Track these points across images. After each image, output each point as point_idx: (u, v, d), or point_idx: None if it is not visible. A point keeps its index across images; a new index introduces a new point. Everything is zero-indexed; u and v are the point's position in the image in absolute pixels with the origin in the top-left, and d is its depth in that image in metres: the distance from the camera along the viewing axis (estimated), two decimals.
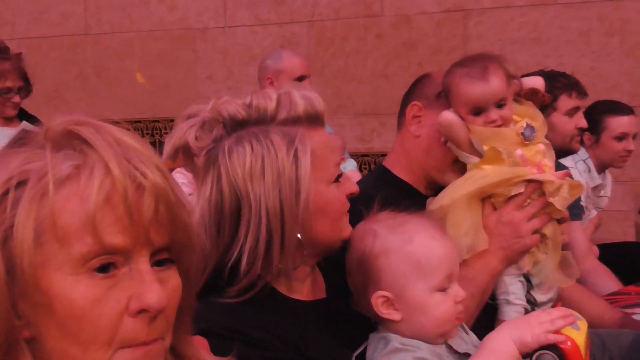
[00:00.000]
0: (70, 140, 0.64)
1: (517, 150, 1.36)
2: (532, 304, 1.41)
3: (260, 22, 4.27)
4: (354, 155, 3.58)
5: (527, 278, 1.43)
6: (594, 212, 2.74)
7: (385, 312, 1.04)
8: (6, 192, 0.62)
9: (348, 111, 4.08)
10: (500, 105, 1.37)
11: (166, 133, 4.42)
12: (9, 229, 0.61)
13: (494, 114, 1.37)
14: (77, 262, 0.61)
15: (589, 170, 2.63)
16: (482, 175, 1.37)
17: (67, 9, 4.58)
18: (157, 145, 4.32)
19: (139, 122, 4.44)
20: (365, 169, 3.83)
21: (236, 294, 1.00)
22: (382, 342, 1.04)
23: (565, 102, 2.27)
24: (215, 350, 0.93)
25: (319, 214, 1.04)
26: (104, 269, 0.62)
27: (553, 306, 1.42)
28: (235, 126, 1.05)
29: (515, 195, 1.35)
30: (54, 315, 0.61)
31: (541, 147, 1.40)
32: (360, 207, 1.13)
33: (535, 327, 0.98)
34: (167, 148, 1.05)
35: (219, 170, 1.02)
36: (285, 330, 1.00)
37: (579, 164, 2.61)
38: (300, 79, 2.91)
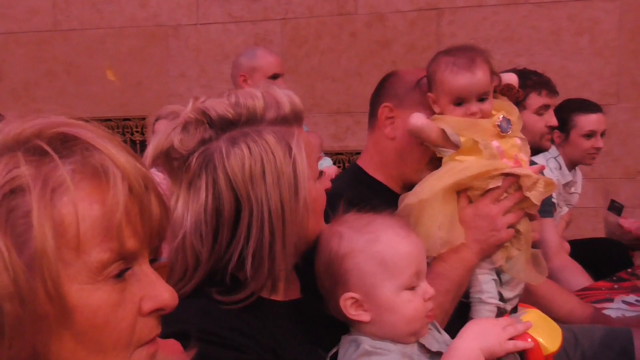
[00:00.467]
0: (64, 143, 0.61)
1: (493, 142, 1.37)
2: (500, 300, 1.42)
3: (233, 20, 4.24)
4: (328, 154, 3.58)
5: (497, 273, 1.44)
6: (565, 209, 2.77)
7: (354, 313, 1.03)
8: None
9: (322, 110, 4.07)
10: (482, 98, 1.38)
11: (137, 132, 4.36)
12: (22, 240, 0.57)
13: (475, 106, 1.37)
14: (96, 270, 0.59)
15: (560, 168, 2.66)
16: (462, 167, 1.36)
17: (35, 4, 4.48)
18: (128, 144, 4.26)
19: (110, 120, 4.37)
20: (339, 167, 3.82)
21: (243, 298, 0.99)
22: (353, 345, 1.03)
23: (535, 100, 2.29)
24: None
25: (311, 212, 1.04)
26: (119, 274, 0.61)
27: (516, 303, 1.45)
28: (225, 126, 1.02)
29: (493, 189, 1.36)
30: (71, 326, 0.59)
31: (517, 141, 1.41)
32: (333, 208, 1.12)
33: (501, 335, 0.97)
34: (151, 151, 1.01)
35: (216, 173, 0.99)
36: (260, 331, 0.99)
37: (549, 162, 2.64)
38: (275, 77, 2.89)
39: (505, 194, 1.36)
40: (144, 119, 4.31)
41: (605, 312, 1.99)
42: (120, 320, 0.61)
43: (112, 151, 0.61)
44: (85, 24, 4.44)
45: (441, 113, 1.43)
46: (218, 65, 4.16)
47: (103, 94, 4.38)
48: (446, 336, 1.12)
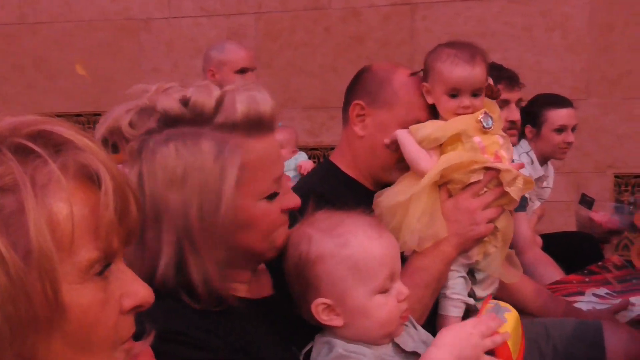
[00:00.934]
0: (47, 141, 0.60)
1: (475, 137, 1.37)
2: (472, 297, 1.43)
3: (206, 13, 4.19)
4: (303, 149, 3.55)
5: (472, 272, 1.44)
6: (537, 203, 2.80)
7: (326, 318, 1.01)
8: None
9: (297, 105, 4.05)
10: (475, 94, 1.39)
11: None
12: (15, 238, 0.56)
13: (468, 100, 1.38)
14: (84, 269, 0.60)
15: (532, 162, 2.68)
16: (443, 159, 1.37)
17: None
18: None
19: (80, 115, 4.29)
20: (314, 162, 3.81)
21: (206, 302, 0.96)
22: (326, 347, 1.01)
23: None
24: (155, 353, 0.89)
25: (245, 228, 0.98)
26: (101, 271, 0.62)
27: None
28: (168, 122, 0.96)
29: (473, 183, 1.36)
30: (62, 327, 0.59)
31: (499, 139, 1.41)
32: (307, 204, 1.10)
33: (477, 347, 0.95)
34: (101, 130, 0.96)
35: (141, 168, 0.95)
36: (230, 331, 0.97)
37: (522, 157, 2.66)
38: (243, 71, 2.85)
39: (485, 189, 1.37)
40: None
41: (577, 305, 2.02)
42: (107, 319, 0.61)
43: (96, 150, 0.61)
44: (54, 17, 4.34)
45: (434, 104, 1.43)
46: (191, 60, 4.10)
47: (73, 88, 4.30)
48: (422, 333, 1.11)
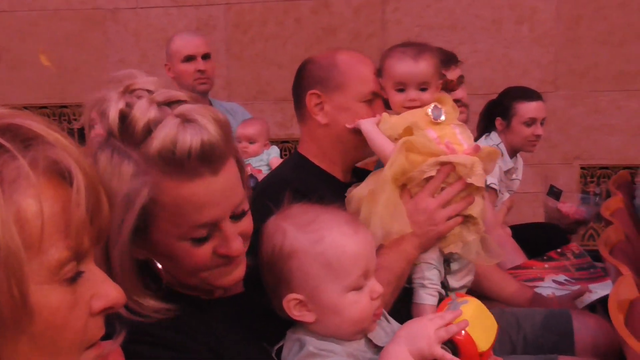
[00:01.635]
0: (15, 136, 0.57)
1: (428, 130, 1.39)
2: (445, 289, 1.45)
3: (174, 4, 4.12)
4: (274, 142, 3.53)
5: (448, 262, 1.45)
6: (506, 195, 2.83)
7: (297, 314, 1.00)
8: None
9: (268, 97, 4.02)
10: (422, 88, 1.44)
11: (75, 119, 4.20)
12: None
13: (414, 94, 1.44)
14: (54, 270, 0.58)
15: (502, 155, 2.71)
16: (389, 126, 1.40)
17: None
18: (66, 132, 4.09)
19: (45, 107, 4.19)
20: (285, 155, 3.79)
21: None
22: (297, 345, 1.00)
23: None
24: (124, 354, 0.87)
25: (169, 260, 0.95)
26: (74, 277, 0.60)
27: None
28: (109, 131, 0.91)
29: (429, 179, 1.37)
30: (29, 329, 0.57)
31: (454, 128, 1.43)
32: (280, 195, 1.08)
33: (431, 338, 0.96)
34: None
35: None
36: (197, 328, 0.96)
37: None
38: (189, 58, 2.77)
39: (443, 185, 1.38)
40: (81, 106, 4.15)
41: (536, 290, 2.07)
42: (76, 321, 0.60)
43: (67, 145, 0.58)
44: (16, 5, 4.22)
45: (386, 99, 1.50)
46: (160, 51, 4.02)
47: (37, 79, 4.19)
48: (395, 325, 1.10)
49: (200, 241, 0.93)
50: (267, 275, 1.04)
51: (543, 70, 3.90)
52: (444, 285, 1.45)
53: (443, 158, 1.36)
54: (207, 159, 0.88)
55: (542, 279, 2.26)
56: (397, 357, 0.96)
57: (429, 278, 1.39)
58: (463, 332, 0.98)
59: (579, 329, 1.71)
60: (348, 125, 1.49)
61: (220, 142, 0.88)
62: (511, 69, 3.88)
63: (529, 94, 2.74)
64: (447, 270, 1.46)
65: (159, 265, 0.97)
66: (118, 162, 0.88)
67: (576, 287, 2.07)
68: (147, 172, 0.88)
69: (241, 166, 0.99)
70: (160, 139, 0.86)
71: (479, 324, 1.01)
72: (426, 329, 0.97)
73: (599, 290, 2.08)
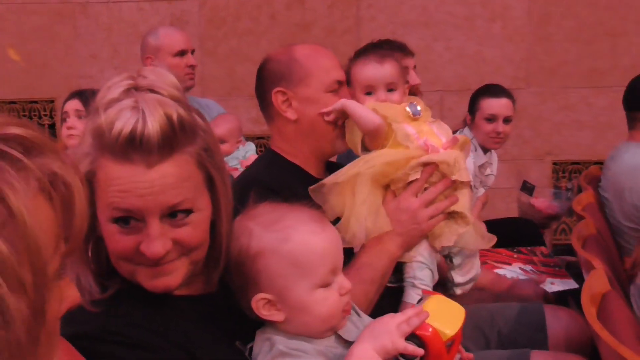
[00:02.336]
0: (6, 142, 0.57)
1: (406, 125, 1.41)
2: (452, 284, 1.48)
3: None
4: (249, 138, 3.51)
5: (450, 258, 1.48)
6: (481, 190, 2.85)
7: (266, 314, 1.00)
8: None
9: (242, 93, 3.99)
10: (390, 89, 1.47)
11: (45, 115, 4.12)
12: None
13: (384, 95, 1.47)
14: (53, 277, 0.58)
15: (475, 149, 2.73)
16: (376, 155, 1.40)
17: None
18: None
19: (14, 103, 4.09)
20: (261, 151, 3.77)
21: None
22: (267, 344, 1.00)
23: None
24: (92, 355, 0.86)
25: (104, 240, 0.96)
26: None
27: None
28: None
29: (414, 181, 1.38)
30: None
31: (430, 125, 1.46)
32: (253, 192, 1.07)
33: (394, 333, 0.96)
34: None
35: None
36: (167, 327, 0.94)
37: None
38: (182, 53, 2.79)
39: (426, 185, 1.39)
40: (52, 101, 4.07)
41: (501, 271, 2.12)
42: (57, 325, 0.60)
43: (56, 152, 0.58)
44: None
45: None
46: (132, 47, 3.97)
47: (6, 74, 4.09)
48: (366, 319, 1.11)
49: (123, 226, 0.92)
50: (234, 275, 1.03)
51: (515, 67, 3.94)
52: (450, 281, 1.47)
53: (425, 158, 1.37)
54: (138, 147, 0.89)
55: (509, 264, 2.34)
56: (361, 355, 0.96)
57: (420, 278, 1.40)
58: (430, 329, 0.98)
59: (551, 322, 1.74)
60: (325, 110, 1.47)
61: (158, 137, 0.89)
62: (484, 66, 3.92)
63: (495, 91, 2.75)
64: (450, 266, 1.48)
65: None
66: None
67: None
68: (91, 144, 0.92)
69: (208, 176, 0.97)
70: (105, 115, 0.90)
71: (441, 314, 1.01)
72: (388, 325, 0.98)
73: (559, 285, 2.15)
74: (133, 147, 0.89)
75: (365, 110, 1.42)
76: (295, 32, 4.00)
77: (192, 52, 2.86)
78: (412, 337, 0.97)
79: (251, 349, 1.03)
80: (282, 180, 1.42)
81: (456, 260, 1.47)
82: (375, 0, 3.97)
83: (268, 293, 0.99)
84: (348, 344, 1.02)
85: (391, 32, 3.91)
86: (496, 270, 2.17)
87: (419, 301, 1.06)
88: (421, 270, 1.41)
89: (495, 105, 2.70)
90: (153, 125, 0.88)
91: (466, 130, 2.75)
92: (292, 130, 1.51)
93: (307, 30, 4.00)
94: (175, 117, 0.90)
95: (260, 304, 0.99)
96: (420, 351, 0.97)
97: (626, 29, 3.89)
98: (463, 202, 1.42)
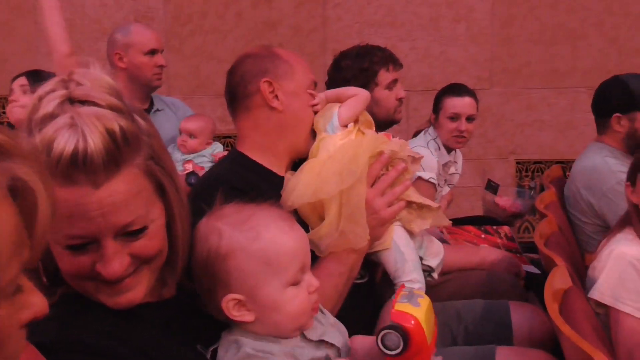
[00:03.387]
0: None
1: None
2: (430, 271, 1.52)
3: None
4: (215, 137, 3.48)
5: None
6: (446, 189, 2.89)
7: (237, 314, 0.99)
8: None
9: (208, 91, 3.96)
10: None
11: (4, 113, 4.02)
12: None
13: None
14: (6, 288, 0.55)
15: (439, 148, 2.76)
16: (358, 145, 1.46)
17: None
18: None
19: None
20: (227, 151, 3.74)
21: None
22: (234, 346, 0.99)
23: (385, 76, 2.33)
24: None
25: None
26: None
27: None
28: None
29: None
30: None
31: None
32: (215, 195, 1.06)
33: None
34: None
35: None
36: (129, 334, 0.92)
37: (430, 143, 2.73)
38: (153, 52, 2.74)
39: (383, 172, 1.42)
40: None
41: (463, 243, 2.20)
42: (10, 336, 0.57)
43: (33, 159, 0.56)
44: None
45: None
46: (95, 43, 3.90)
47: None
48: (330, 317, 1.11)
49: (76, 250, 0.87)
50: (202, 278, 1.02)
51: (479, 68, 4.00)
52: (429, 267, 1.52)
53: (381, 147, 1.42)
54: (81, 168, 0.83)
55: (476, 245, 2.41)
56: None
57: (419, 281, 1.44)
58: (413, 321, 0.99)
59: (516, 318, 1.77)
60: (316, 100, 1.53)
61: (102, 155, 0.84)
62: (448, 66, 3.97)
63: (458, 90, 2.79)
64: (419, 256, 1.51)
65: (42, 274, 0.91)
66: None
67: None
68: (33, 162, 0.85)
69: (158, 183, 0.93)
70: (41, 135, 0.84)
71: (428, 319, 1.03)
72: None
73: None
74: (76, 168, 0.83)
75: (347, 90, 1.56)
76: (262, 31, 3.98)
77: (162, 51, 2.81)
78: (395, 327, 0.98)
79: (214, 351, 1.02)
80: (247, 180, 1.42)
81: (420, 251, 1.50)
82: (342, 0, 3.98)
83: (239, 293, 0.98)
84: (313, 343, 1.03)
85: (357, 31, 3.93)
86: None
87: (406, 289, 1.07)
88: (417, 272, 1.45)
89: (458, 104, 2.73)
90: (95, 143, 0.83)
91: (430, 129, 2.78)
92: (274, 122, 1.51)
93: (273, 29, 3.99)
94: (117, 130, 0.85)
95: (230, 305, 0.99)
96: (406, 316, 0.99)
97: (586, 31, 3.99)
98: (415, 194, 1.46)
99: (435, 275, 1.53)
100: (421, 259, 1.51)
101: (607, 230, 2.50)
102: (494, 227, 2.46)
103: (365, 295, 1.52)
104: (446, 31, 4.00)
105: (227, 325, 1.03)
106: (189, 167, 2.64)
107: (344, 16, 3.97)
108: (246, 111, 1.54)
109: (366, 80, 2.23)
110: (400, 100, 2.37)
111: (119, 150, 0.85)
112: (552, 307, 1.43)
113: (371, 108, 2.29)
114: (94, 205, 0.84)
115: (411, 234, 1.50)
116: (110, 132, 0.84)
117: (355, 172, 1.37)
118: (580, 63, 3.97)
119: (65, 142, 0.82)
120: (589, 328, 1.50)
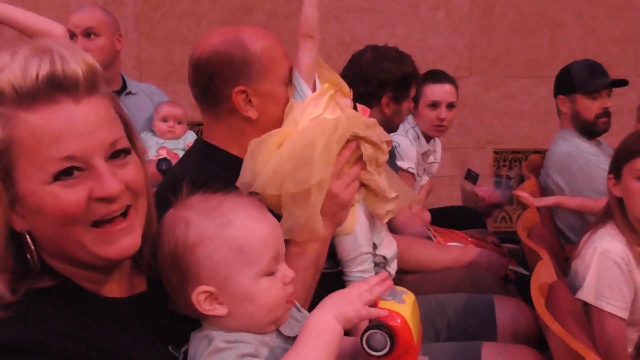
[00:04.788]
0: None
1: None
2: (385, 261, 1.46)
3: None
4: (188, 125, 3.39)
5: None
6: (425, 178, 2.85)
7: (209, 308, 0.93)
8: None
9: (181, 77, 3.79)
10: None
11: None
12: None
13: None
14: None
15: (418, 137, 2.71)
16: (338, 123, 1.37)
17: None
18: None
19: None
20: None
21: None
22: (205, 341, 0.93)
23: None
24: None
25: (37, 215, 0.87)
26: None
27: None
28: None
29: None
30: None
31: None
32: (167, 193, 0.99)
33: (355, 301, 0.93)
34: None
35: None
36: (91, 332, 0.86)
37: (409, 132, 2.68)
38: (72, 36, 2.48)
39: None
40: None
41: (450, 244, 2.17)
42: None
43: None
44: None
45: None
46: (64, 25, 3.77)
47: None
48: (307, 314, 1.06)
49: (67, 175, 0.85)
50: (170, 271, 0.96)
51: (458, 56, 3.96)
52: (384, 257, 1.46)
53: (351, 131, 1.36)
54: (60, 85, 0.85)
55: (461, 245, 2.34)
56: (320, 321, 0.92)
57: (370, 271, 1.37)
58: (399, 320, 0.95)
59: (500, 311, 1.74)
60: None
61: (82, 71, 0.86)
62: (428, 54, 3.92)
63: (438, 77, 2.74)
64: (374, 246, 1.45)
65: (31, 245, 0.88)
66: None
67: None
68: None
69: (121, 115, 0.94)
70: (8, 70, 0.83)
71: (414, 317, 0.98)
72: (350, 294, 0.95)
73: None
74: (55, 86, 0.84)
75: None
76: (237, 16, 3.88)
77: (88, 35, 2.53)
78: (381, 327, 0.93)
79: (186, 352, 0.96)
80: (212, 172, 1.33)
81: (377, 240, 1.44)
82: None
83: (210, 285, 0.93)
84: (290, 339, 0.98)
85: (334, 17, 3.86)
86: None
87: (392, 290, 1.01)
88: (369, 263, 1.38)
89: (437, 91, 2.68)
90: (72, 62, 0.85)
91: (410, 118, 2.72)
92: (247, 129, 1.40)
93: (249, 13, 3.89)
94: (93, 62, 0.88)
95: (201, 298, 0.93)
96: (384, 312, 0.94)
97: (565, 20, 3.97)
98: (377, 179, 1.39)
99: (391, 269, 1.46)
100: (375, 247, 1.45)
101: (584, 219, 2.50)
102: (480, 235, 2.42)
103: (335, 284, 1.45)
104: (425, 18, 3.95)
105: (199, 324, 0.97)
106: (163, 153, 2.56)
107: (322, 1, 3.88)
108: (216, 116, 1.43)
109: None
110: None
111: (96, 75, 0.88)
112: (539, 302, 1.39)
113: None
114: (80, 121, 0.85)
115: (376, 218, 1.43)
116: (85, 60, 0.87)
117: (324, 171, 1.30)
118: (560, 52, 3.95)
119: (39, 65, 0.84)
120: (575, 323, 1.47)
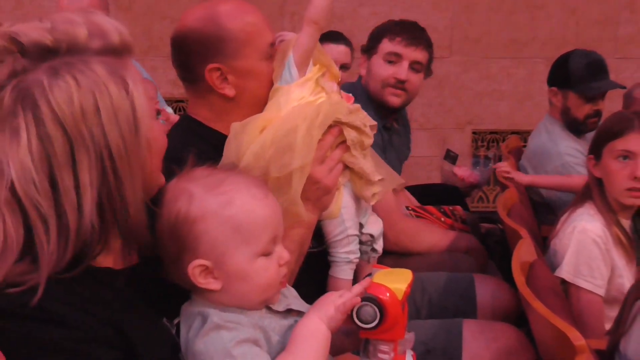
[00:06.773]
0: None
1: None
2: (372, 239, 1.47)
3: None
4: (168, 101, 3.34)
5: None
6: None
7: (203, 281, 0.95)
8: None
9: (160, 52, 3.78)
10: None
11: None
12: None
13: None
14: None
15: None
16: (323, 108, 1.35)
17: None
18: None
19: None
20: (180, 115, 3.60)
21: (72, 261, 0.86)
22: (199, 319, 0.95)
23: (386, 45, 2.34)
24: (8, 333, 0.81)
25: (153, 152, 0.94)
26: None
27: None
28: (43, 55, 0.86)
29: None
30: None
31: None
32: (171, 165, 0.99)
33: (336, 299, 0.97)
34: None
35: (38, 109, 0.84)
36: (96, 304, 0.87)
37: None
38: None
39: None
40: None
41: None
42: None
43: None
44: None
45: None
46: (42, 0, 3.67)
47: None
48: (292, 290, 1.09)
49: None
50: (168, 242, 0.97)
51: (440, 35, 3.95)
52: (371, 235, 1.46)
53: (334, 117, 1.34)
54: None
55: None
56: (307, 325, 0.95)
57: (355, 252, 1.36)
58: (388, 294, 0.96)
59: (480, 290, 1.76)
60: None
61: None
62: None
63: (333, 36, 2.71)
64: (360, 225, 1.45)
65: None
66: (87, 69, 0.86)
67: None
68: (117, 64, 0.89)
69: None
70: (114, 31, 0.91)
71: (390, 276, 1.01)
72: (331, 296, 0.99)
73: None
74: (127, 44, 0.93)
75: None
76: None
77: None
78: (370, 300, 0.96)
79: (178, 325, 0.97)
80: (201, 150, 1.31)
81: (364, 219, 1.45)
82: None
83: (206, 259, 0.94)
84: (276, 313, 1.00)
85: None
86: None
87: (368, 275, 1.03)
88: (354, 244, 1.38)
89: (334, 51, 2.64)
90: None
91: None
92: (228, 107, 1.38)
93: None
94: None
95: (197, 271, 0.94)
96: (366, 281, 0.98)
97: (545, 1, 3.98)
98: (362, 162, 1.38)
99: (377, 247, 1.47)
100: (362, 226, 1.45)
101: (556, 205, 2.54)
102: (451, 208, 2.43)
103: (319, 263, 1.45)
104: None
105: (190, 297, 0.99)
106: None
107: None
108: (197, 93, 1.41)
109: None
110: (397, 81, 2.21)
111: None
112: (520, 280, 1.41)
113: (367, 80, 2.24)
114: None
115: (362, 200, 1.43)
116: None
117: (306, 156, 1.29)
118: (539, 33, 3.97)
119: (113, 25, 0.92)
120: (555, 300, 1.50)
